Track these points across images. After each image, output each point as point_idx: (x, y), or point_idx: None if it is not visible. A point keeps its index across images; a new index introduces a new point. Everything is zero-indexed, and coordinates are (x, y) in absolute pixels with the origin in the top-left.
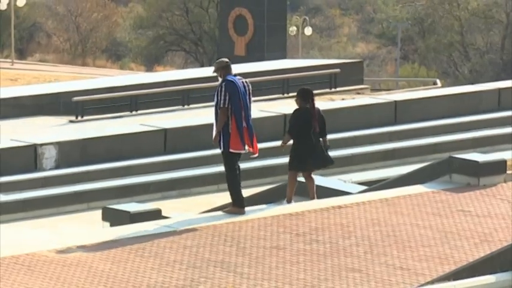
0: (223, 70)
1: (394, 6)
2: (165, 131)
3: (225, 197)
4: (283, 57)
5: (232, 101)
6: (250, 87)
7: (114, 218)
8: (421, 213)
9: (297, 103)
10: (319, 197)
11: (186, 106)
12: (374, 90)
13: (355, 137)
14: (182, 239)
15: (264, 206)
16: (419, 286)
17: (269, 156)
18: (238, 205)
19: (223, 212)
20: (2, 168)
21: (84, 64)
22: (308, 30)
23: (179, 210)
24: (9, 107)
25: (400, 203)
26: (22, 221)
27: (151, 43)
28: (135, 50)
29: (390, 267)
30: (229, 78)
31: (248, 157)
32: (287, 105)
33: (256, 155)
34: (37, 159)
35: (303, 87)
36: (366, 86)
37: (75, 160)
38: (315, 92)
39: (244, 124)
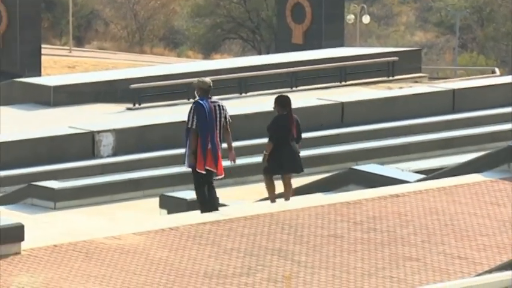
0: (202, 92)
1: None
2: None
3: (281, 185)
4: (341, 45)
5: (199, 124)
6: (224, 110)
7: (172, 205)
8: (479, 202)
9: (276, 110)
10: (377, 185)
11: (243, 94)
12: (432, 78)
13: (413, 126)
14: (239, 226)
15: (320, 194)
16: (477, 275)
17: (326, 145)
18: None
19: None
20: (60, 155)
21: (141, 52)
22: (366, 19)
23: (235, 198)
24: (67, 94)
25: (458, 192)
26: (79, 208)
27: (208, 31)
28: (192, 37)
29: (448, 257)
30: (200, 101)
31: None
32: (344, 94)
33: (221, 176)
34: (94, 146)
35: (281, 95)
36: (423, 75)
37: (132, 147)
38: (372, 80)
39: (209, 146)
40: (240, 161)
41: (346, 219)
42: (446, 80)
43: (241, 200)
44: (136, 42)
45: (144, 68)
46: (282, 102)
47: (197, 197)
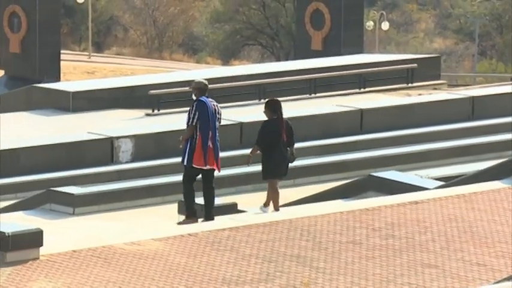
0: (199, 91)
1: (472, 2)
2: (241, 124)
3: (300, 192)
4: (360, 52)
5: (201, 120)
6: (220, 111)
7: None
8: (498, 209)
9: (266, 114)
10: (396, 192)
11: (262, 100)
12: (451, 85)
13: (432, 133)
14: (258, 232)
15: (340, 200)
16: (496, 282)
17: (345, 152)
18: (191, 215)
19: (179, 224)
20: (79, 161)
21: (160, 58)
22: (385, 25)
23: (254, 204)
24: (86, 100)
25: (476, 199)
26: (98, 214)
27: (227, 37)
28: (211, 44)
29: (467, 263)
30: (202, 99)
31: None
32: (363, 100)
33: (218, 172)
34: (113, 152)
35: (271, 99)
36: (442, 82)
37: (151, 153)
38: (391, 86)
39: (209, 144)
40: (260, 167)
41: (365, 226)
42: (465, 87)
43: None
44: (155, 48)
45: (163, 74)
46: (272, 106)
47: (184, 196)
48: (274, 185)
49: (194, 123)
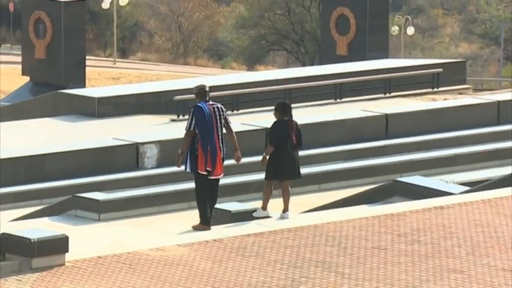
0: (198, 96)
1: (497, 6)
2: (266, 130)
3: (326, 197)
4: (385, 57)
5: (198, 125)
6: (223, 111)
7: (215, 217)
8: None
9: (276, 116)
10: (421, 197)
11: None
12: (476, 90)
13: (458, 138)
14: (283, 238)
15: (365, 206)
16: None
17: (370, 157)
18: (203, 223)
19: (193, 227)
20: (104, 166)
21: (185, 63)
22: (410, 30)
23: (280, 210)
24: (111, 106)
25: (502, 204)
26: (123, 220)
27: (253, 43)
28: (236, 49)
29: (493, 269)
30: (199, 104)
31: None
32: (389, 105)
33: (221, 176)
34: (139, 158)
35: (282, 101)
36: (468, 86)
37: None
38: (417, 91)
39: (209, 147)
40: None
41: (390, 231)
42: (491, 91)
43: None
44: (180, 53)
45: (189, 80)
46: (283, 108)
47: (197, 203)
48: (285, 185)
49: (192, 129)
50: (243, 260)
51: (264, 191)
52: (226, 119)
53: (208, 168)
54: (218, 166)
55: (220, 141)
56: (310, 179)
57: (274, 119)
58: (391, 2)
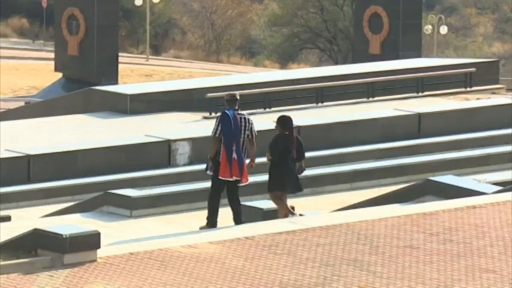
0: (227, 102)
1: None
2: (298, 128)
3: (358, 196)
4: (418, 56)
5: (224, 133)
6: (250, 123)
7: (247, 215)
8: None
9: (277, 129)
10: (453, 197)
11: (319, 104)
12: (509, 90)
13: (491, 137)
14: (315, 236)
15: (397, 205)
16: None
17: (403, 156)
18: (209, 226)
19: (200, 228)
20: (136, 163)
21: (218, 61)
22: (443, 29)
23: (312, 208)
24: (144, 103)
25: None
26: (155, 217)
27: (285, 41)
28: (269, 47)
29: None
30: (227, 111)
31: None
32: (421, 105)
33: (246, 183)
34: (170, 155)
35: (283, 115)
36: (501, 86)
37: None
38: (449, 91)
39: (234, 155)
40: (318, 170)
41: (423, 230)
42: None
43: (318, 210)
44: (213, 51)
45: (221, 77)
46: (283, 123)
47: (208, 205)
48: (282, 198)
49: (218, 135)
50: (275, 258)
51: (276, 203)
52: (251, 131)
53: (234, 177)
54: (245, 174)
55: (243, 150)
56: (342, 177)
57: (304, 117)
58: (424, 1)
